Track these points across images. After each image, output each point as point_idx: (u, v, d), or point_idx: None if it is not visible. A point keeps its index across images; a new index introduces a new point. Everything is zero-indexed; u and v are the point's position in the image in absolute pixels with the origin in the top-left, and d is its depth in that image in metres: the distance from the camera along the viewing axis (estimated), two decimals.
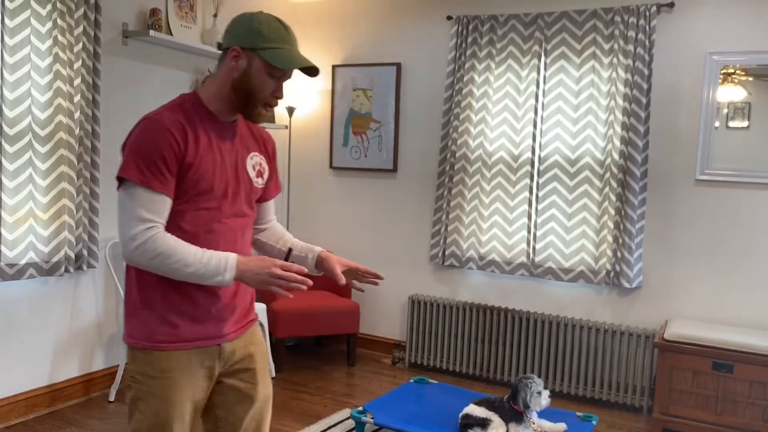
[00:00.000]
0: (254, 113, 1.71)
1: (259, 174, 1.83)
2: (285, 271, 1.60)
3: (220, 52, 1.80)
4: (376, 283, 1.91)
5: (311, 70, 1.73)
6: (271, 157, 1.91)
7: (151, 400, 1.68)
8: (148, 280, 1.67)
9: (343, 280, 1.83)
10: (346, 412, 3.68)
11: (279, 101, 1.74)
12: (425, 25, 4.63)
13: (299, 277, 1.59)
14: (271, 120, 4.79)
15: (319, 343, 5.08)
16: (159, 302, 1.68)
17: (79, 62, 3.43)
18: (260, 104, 1.70)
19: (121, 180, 1.62)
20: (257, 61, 1.66)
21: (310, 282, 1.62)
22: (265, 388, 1.88)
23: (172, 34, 3.94)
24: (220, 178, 1.71)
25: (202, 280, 1.62)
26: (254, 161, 1.82)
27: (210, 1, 4.24)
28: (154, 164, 1.59)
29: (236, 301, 1.80)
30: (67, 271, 3.45)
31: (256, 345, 1.87)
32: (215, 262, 1.60)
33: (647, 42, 3.88)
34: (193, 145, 1.65)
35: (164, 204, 1.62)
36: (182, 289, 1.69)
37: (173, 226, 1.66)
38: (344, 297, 4.64)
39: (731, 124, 3.79)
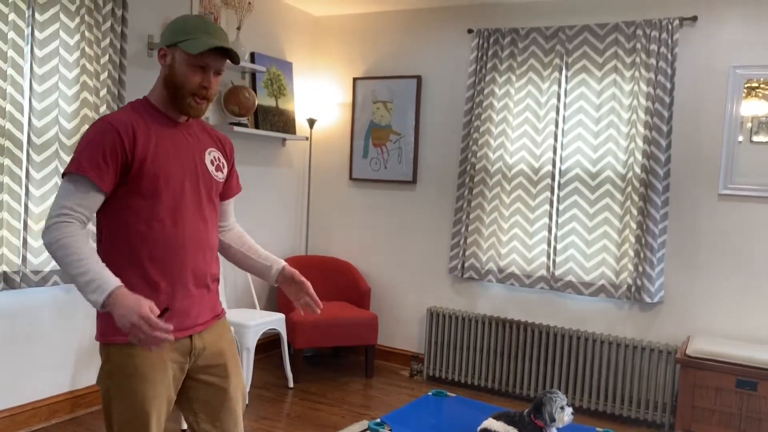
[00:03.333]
0: (184, 105, 1.81)
1: (218, 168, 1.93)
2: (148, 325, 1.55)
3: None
4: (315, 311, 2.02)
5: (232, 57, 1.81)
6: (228, 156, 2.00)
7: (127, 395, 1.72)
8: (117, 274, 1.66)
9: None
10: (363, 424, 3.67)
11: (211, 93, 1.82)
12: (446, 39, 4.65)
13: (154, 336, 1.55)
14: (292, 131, 4.82)
15: (337, 355, 5.08)
16: None
17: (106, 73, 3.49)
18: (188, 96, 1.80)
19: (64, 174, 1.71)
20: (178, 54, 1.79)
21: (170, 339, 1.58)
22: (238, 381, 1.94)
23: None
24: (176, 169, 1.80)
25: (80, 290, 1.61)
26: (212, 156, 1.92)
27: (234, 15, 4.29)
28: (95, 159, 1.69)
29: (201, 294, 1.86)
30: None
31: (226, 341, 1.94)
32: (87, 280, 1.59)
33: (669, 56, 3.86)
34: (143, 142, 1.75)
35: (93, 199, 1.70)
36: (150, 280, 1.75)
37: (145, 218, 1.75)
38: (362, 308, 4.65)
39: (755, 138, 3.75)
